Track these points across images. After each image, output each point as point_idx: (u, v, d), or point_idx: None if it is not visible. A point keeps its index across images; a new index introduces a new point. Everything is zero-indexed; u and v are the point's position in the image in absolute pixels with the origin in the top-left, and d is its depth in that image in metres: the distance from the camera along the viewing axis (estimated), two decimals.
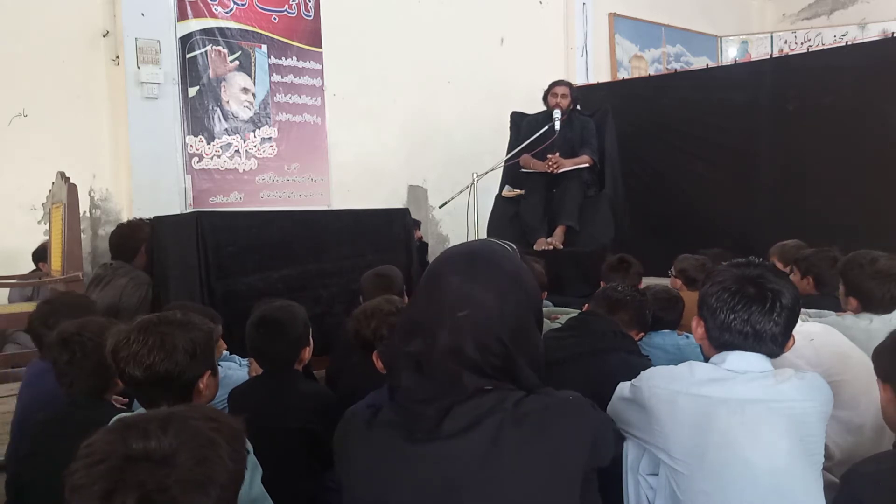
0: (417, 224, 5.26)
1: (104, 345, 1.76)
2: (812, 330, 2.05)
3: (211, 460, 0.85)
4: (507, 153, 4.72)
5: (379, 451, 1.11)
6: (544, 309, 3.13)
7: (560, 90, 4.70)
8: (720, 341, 1.49)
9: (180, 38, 4.79)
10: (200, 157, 4.91)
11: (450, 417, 1.07)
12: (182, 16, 4.79)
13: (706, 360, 1.55)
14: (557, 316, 2.94)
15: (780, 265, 3.14)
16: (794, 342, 1.50)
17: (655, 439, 1.47)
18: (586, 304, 2.41)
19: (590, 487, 1.14)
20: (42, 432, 1.78)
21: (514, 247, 1.34)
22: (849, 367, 1.96)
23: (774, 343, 1.45)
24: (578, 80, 6.76)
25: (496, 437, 1.06)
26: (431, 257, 5.19)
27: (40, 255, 3.98)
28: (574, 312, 2.66)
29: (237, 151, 5.09)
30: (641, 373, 1.55)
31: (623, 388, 1.61)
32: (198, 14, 4.86)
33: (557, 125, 4.50)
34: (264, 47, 5.19)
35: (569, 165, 4.57)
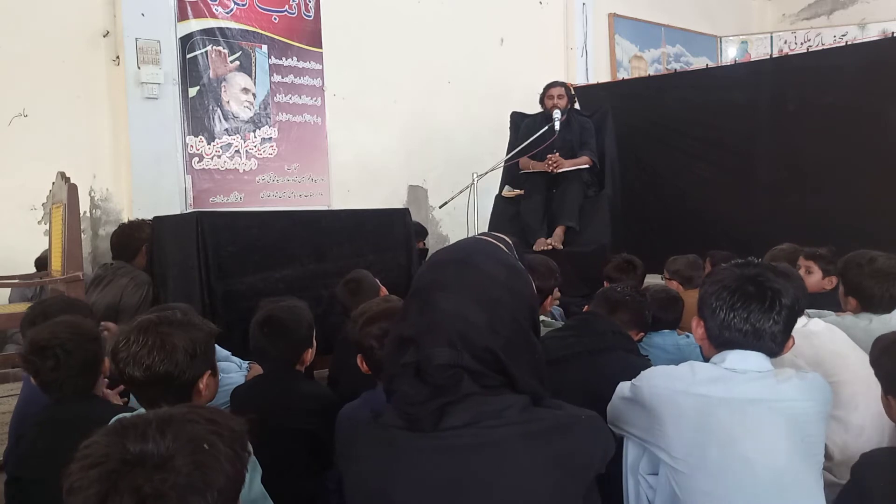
0: (423, 233, 5.22)
1: (84, 342, 1.78)
2: (814, 329, 2.05)
3: (209, 465, 0.84)
4: (507, 153, 4.72)
5: (383, 447, 1.12)
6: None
7: (556, 91, 4.71)
8: (720, 340, 1.49)
9: (180, 39, 4.79)
10: (200, 157, 4.91)
11: (448, 416, 1.08)
12: (182, 16, 4.79)
13: (706, 360, 1.55)
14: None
15: None
16: (793, 342, 1.50)
17: (656, 439, 1.47)
18: (586, 305, 2.42)
19: (592, 488, 1.14)
20: (37, 432, 1.79)
21: (510, 241, 1.32)
22: (848, 367, 1.96)
23: (774, 342, 1.46)
24: (578, 80, 6.76)
25: (503, 442, 1.06)
26: None
27: (42, 262, 3.96)
28: None
29: (237, 151, 5.09)
30: (642, 372, 1.55)
31: (623, 387, 1.61)
32: (198, 14, 4.86)
33: (557, 125, 4.50)
34: (264, 47, 5.19)
35: (568, 166, 4.58)
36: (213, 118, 4.97)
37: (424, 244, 5.18)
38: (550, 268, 2.82)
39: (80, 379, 1.81)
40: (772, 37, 8.35)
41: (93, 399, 1.86)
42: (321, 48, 5.49)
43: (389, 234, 3.70)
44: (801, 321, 2.00)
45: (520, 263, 1.26)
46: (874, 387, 1.91)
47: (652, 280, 3.56)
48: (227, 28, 5.00)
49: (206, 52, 4.91)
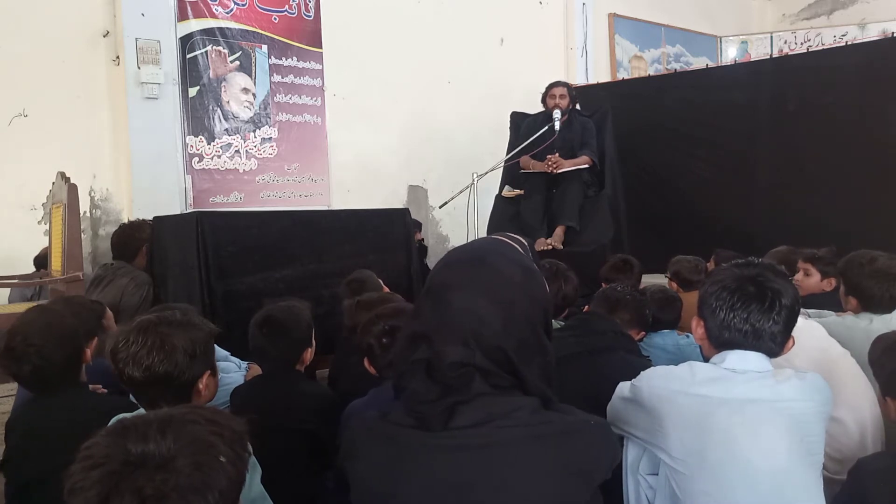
0: (418, 226, 5.25)
1: (61, 342, 1.79)
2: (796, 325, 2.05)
3: (210, 465, 0.84)
4: (507, 153, 4.72)
5: (390, 446, 1.11)
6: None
7: (558, 91, 4.71)
8: (720, 340, 1.49)
9: (180, 39, 4.79)
10: (201, 157, 4.91)
11: (458, 415, 1.08)
12: (182, 16, 4.79)
13: (706, 360, 1.55)
14: None
15: None
16: (793, 343, 1.50)
17: (655, 439, 1.47)
18: (586, 305, 2.41)
19: (595, 494, 1.14)
20: (31, 428, 1.78)
21: (525, 242, 1.31)
22: (832, 363, 1.96)
23: (773, 342, 1.46)
24: (578, 80, 6.76)
25: (511, 443, 1.06)
26: (431, 259, 5.20)
27: (41, 261, 3.96)
28: None
29: (237, 151, 5.09)
30: (641, 373, 1.55)
31: (623, 387, 1.61)
32: (198, 14, 4.86)
33: (557, 125, 4.50)
34: (264, 47, 5.19)
35: (568, 166, 4.58)
36: (213, 118, 4.97)
37: (422, 239, 5.19)
38: (570, 277, 2.68)
39: (62, 375, 1.82)
40: (772, 37, 8.35)
41: (78, 392, 1.86)
42: (321, 48, 5.49)
43: (389, 234, 3.70)
44: None
45: (535, 265, 1.25)
46: (857, 382, 1.92)
47: (655, 280, 3.56)
48: (227, 28, 5.00)
49: (206, 52, 4.91)
